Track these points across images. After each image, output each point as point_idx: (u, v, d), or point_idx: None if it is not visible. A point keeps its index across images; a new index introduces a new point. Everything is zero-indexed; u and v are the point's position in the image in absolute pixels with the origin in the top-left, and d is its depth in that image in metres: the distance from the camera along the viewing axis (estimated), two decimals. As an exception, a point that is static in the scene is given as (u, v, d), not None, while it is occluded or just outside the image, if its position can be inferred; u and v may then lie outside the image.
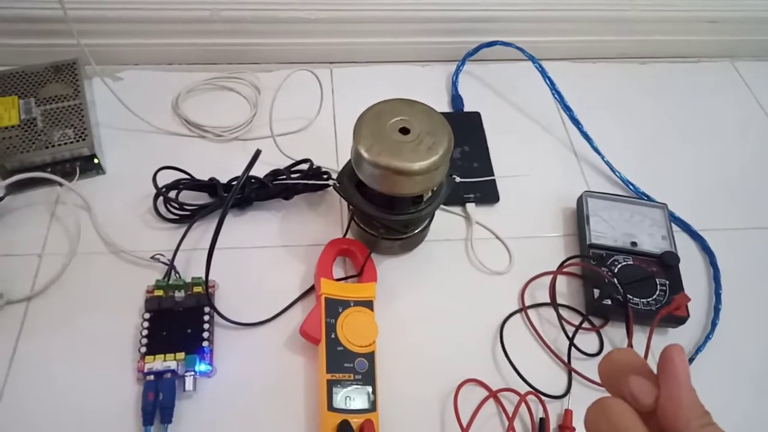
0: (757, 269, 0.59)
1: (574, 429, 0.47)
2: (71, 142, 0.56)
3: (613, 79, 0.75)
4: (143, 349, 0.47)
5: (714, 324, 0.54)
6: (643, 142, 0.68)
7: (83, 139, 0.57)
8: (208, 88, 0.68)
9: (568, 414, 0.47)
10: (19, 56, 0.64)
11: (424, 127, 0.48)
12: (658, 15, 0.73)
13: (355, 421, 0.44)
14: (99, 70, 0.60)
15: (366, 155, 0.46)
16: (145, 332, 0.47)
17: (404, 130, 0.48)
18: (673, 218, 0.60)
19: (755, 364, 0.53)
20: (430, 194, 0.51)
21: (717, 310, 0.54)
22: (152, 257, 0.52)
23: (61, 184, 0.56)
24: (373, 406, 0.45)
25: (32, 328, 0.49)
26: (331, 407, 0.44)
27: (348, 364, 0.46)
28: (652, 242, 0.56)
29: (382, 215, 0.50)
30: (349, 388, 0.46)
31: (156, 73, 0.68)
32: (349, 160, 0.51)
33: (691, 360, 0.51)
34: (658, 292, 0.53)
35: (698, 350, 0.52)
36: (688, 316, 0.52)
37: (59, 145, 0.56)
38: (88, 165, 0.58)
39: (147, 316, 0.48)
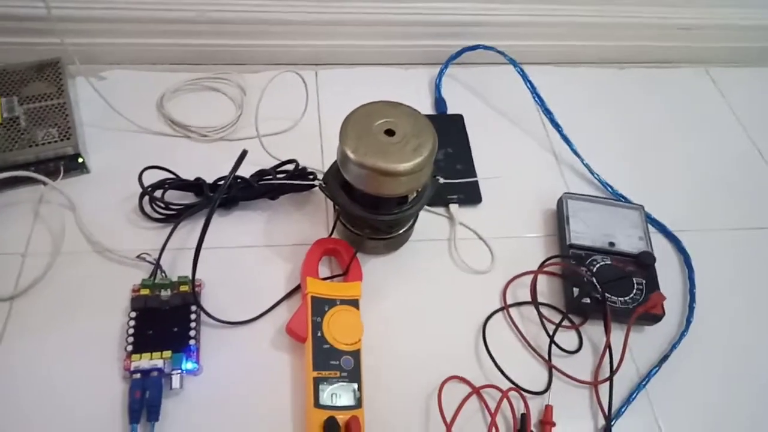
0: (729, 269, 0.61)
1: (555, 424, 0.48)
2: (55, 141, 0.56)
3: (592, 84, 0.77)
4: (129, 348, 0.47)
5: (689, 322, 0.55)
6: (621, 145, 0.70)
7: (67, 138, 0.56)
8: (193, 88, 0.68)
9: (548, 409, 0.49)
10: (1, 54, 0.63)
11: (410, 129, 0.49)
12: (635, 21, 0.75)
13: (341, 417, 0.45)
14: (83, 70, 0.59)
15: (352, 156, 0.47)
16: (131, 331, 0.48)
17: (390, 132, 0.49)
18: (650, 219, 0.62)
19: (728, 360, 0.54)
20: (414, 195, 0.52)
21: (691, 308, 0.56)
22: (138, 256, 0.53)
23: (45, 183, 0.56)
24: (358, 403, 0.46)
25: (16, 327, 0.49)
26: (317, 404, 0.45)
27: (334, 362, 0.47)
28: (629, 243, 0.58)
29: (368, 215, 0.51)
30: (335, 386, 0.46)
31: (140, 72, 0.68)
32: (335, 161, 0.52)
33: (666, 357, 0.53)
34: (635, 291, 0.54)
35: (673, 347, 0.54)
36: (664, 314, 0.54)
37: (43, 144, 0.56)
38: (72, 164, 0.58)
39: (133, 314, 0.48)
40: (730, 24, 0.78)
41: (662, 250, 0.61)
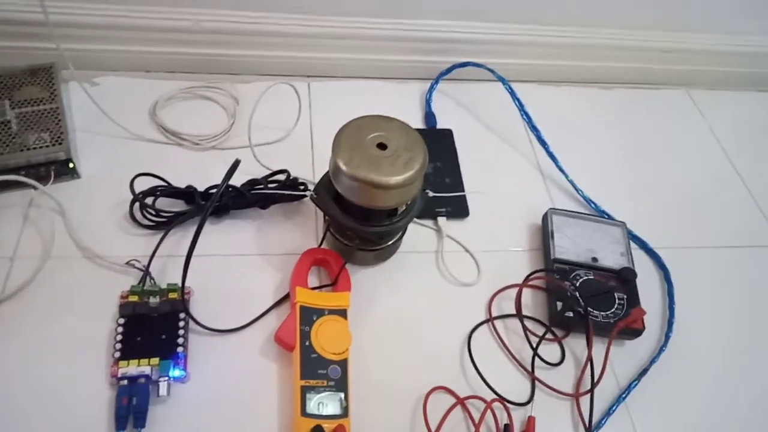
0: (707, 285, 0.63)
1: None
2: (47, 146, 0.56)
3: (578, 103, 0.79)
4: (117, 354, 0.47)
5: (668, 336, 0.57)
6: (605, 163, 0.72)
7: (59, 143, 0.57)
8: (186, 96, 0.68)
9: (531, 421, 0.50)
10: (-6, 57, 0.63)
11: (401, 142, 0.50)
12: (619, 44, 0.78)
13: (328, 426, 0.45)
14: (76, 75, 0.60)
15: (345, 168, 0.48)
16: (119, 337, 0.48)
17: (382, 146, 0.50)
18: (632, 236, 0.64)
19: (706, 374, 0.56)
20: (404, 207, 0.53)
21: (670, 323, 0.58)
22: (127, 263, 0.53)
23: (35, 188, 0.56)
24: (345, 412, 0.47)
25: (2, 331, 0.48)
26: (304, 413, 0.45)
27: (322, 371, 0.48)
28: (611, 258, 0.59)
29: (358, 227, 0.52)
30: (322, 394, 0.47)
31: (134, 79, 0.68)
32: (327, 172, 0.52)
33: (645, 371, 0.54)
34: (616, 306, 0.56)
35: (653, 361, 0.55)
36: (644, 328, 0.55)
37: (34, 148, 0.56)
38: (63, 169, 0.58)
39: (121, 321, 0.49)
40: (711, 49, 0.80)
41: (643, 266, 0.62)
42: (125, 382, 0.46)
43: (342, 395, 0.47)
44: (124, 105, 0.64)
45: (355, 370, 0.49)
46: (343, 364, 0.49)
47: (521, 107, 0.71)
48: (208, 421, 0.46)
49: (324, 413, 0.46)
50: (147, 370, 0.46)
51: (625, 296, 0.56)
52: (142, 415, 0.45)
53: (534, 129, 0.70)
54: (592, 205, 0.66)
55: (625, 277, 0.57)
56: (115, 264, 0.53)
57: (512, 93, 0.71)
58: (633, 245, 0.63)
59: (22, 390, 0.46)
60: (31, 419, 0.45)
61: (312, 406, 0.46)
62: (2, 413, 0.45)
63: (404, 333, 0.54)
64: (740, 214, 0.70)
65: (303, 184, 0.60)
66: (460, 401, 0.50)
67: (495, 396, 0.51)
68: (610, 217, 0.65)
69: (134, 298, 0.50)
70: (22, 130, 0.57)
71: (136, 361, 0.47)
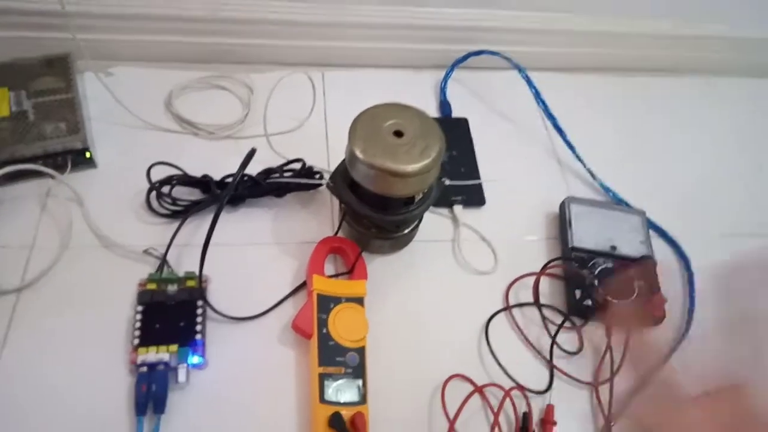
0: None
1: (556, 423, 0.49)
2: (63, 136, 0.56)
3: (596, 90, 0.78)
4: (136, 341, 0.47)
5: (689, 324, 0.56)
6: (623, 151, 0.71)
7: (76, 133, 0.57)
8: (201, 86, 0.68)
9: (549, 409, 0.49)
10: (10, 48, 0.63)
11: (418, 131, 0.50)
12: (638, 31, 0.76)
13: (346, 413, 0.45)
14: (92, 65, 0.60)
15: (361, 156, 0.48)
16: (138, 324, 0.48)
17: (398, 133, 0.49)
18: (651, 225, 0.63)
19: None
20: (421, 196, 0.53)
21: (691, 311, 0.57)
22: (145, 251, 0.53)
23: (52, 177, 0.56)
24: (363, 399, 0.47)
25: (23, 319, 0.49)
26: (322, 399, 0.45)
27: (339, 358, 0.48)
28: (631, 246, 0.58)
29: (375, 215, 0.51)
30: (340, 382, 0.47)
31: (149, 69, 0.68)
32: (343, 161, 0.52)
33: (666, 359, 0.54)
34: (636, 294, 0.55)
35: (673, 349, 0.54)
36: (665, 316, 0.54)
37: (51, 138, 0.56)
38: (79, 159, 0.58)
39: (140, 308, 0.49)
40: (730, 35, 0.79)
41: (663, 254, 0.61)
42: (144, 368, 0.46)
43: (360, 382, 0.47)
44: (139, 95, 0.64)
45: (372, 358, 0.49)
46: (361, 351, 0.49)
47: (537, 95, 0.70)
48: (227, 407, 0.47)
49: (342, 400, 0.46)
50: (166, 356, 0.47)
51: (644, 284, 0.56)
52: (161, 401, 0.45)
53: (550, 117, 0.69)
54: (611, 194, 0.66)
55: (645, 265, 0.56)
56: (132, 252, 0.53)
57: (528, 81, 0.70)
58: (652, 233, 0.62)
59: (42, 377, 0.46)
60: (50, 406, 0.45)
61: (330, 393, 0.46)
62: (22, 399, 0.45)
63: (421, 321, 0.54)
64: (760, 201, 0.69)
65: (318, 172, 0.60)
66: (478, 389, 0.50)
67: (513, 384, 0.51)
68: (628, 205, 0.64)
69: (152, 286, 0.50)
70: (39, 120, 0.57)
71: (155, 347, 0.47)
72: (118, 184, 0.58)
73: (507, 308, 0.55)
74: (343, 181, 0.52)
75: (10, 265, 0.51)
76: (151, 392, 0.45)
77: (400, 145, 0.48)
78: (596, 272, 0.56)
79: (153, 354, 0.47)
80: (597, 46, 0.77)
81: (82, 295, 0.51)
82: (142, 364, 0.46)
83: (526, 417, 0.49)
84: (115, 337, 0.48)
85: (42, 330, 0.48)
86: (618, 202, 0.65)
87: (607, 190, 0.66)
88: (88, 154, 0.58)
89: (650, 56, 0.80)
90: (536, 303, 0.56)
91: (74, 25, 0.56)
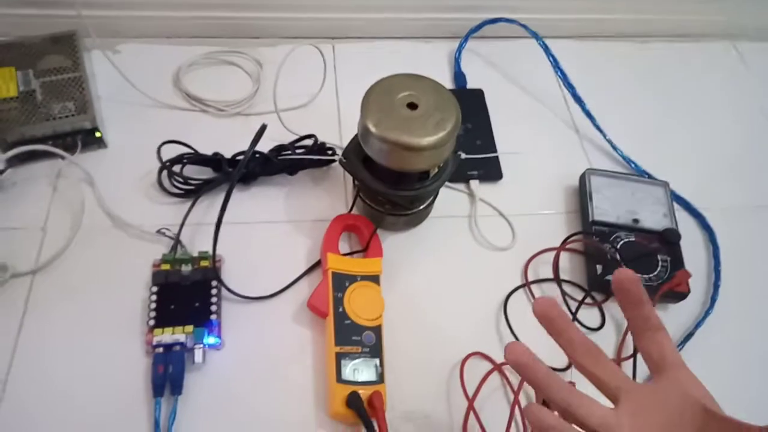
0: (754, 246, 0.60)
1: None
2: (72, 115, 0.56)
3: (616, 58, 0.75)
4: (152, 322, 0.47)
5: (713, 299, 0.55)
6: (645, 121, 0.69)
7: (84, 112, 0.56)
8: (209, 62, 0.67)
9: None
10: (16, 27, 0.62)
11: (432, 102, 0.48)
12: (661, -7, 0.73)
13: (364, 392, 0.45)
14: (99, 43, 0.59)
15: (374, 130, 0.46)
16: (153, 305, 0.48)
17: (412, 105, 0.48)
18: (674, 196, 0.61)
19: (754, 338, 0.54)
20: (436, 170, 0.51)
21: (716, 286, 0.56)
22: (158, 231, 0.52)
23: (62, 158, 0.55)
24: (380, 378, 0.46)
25: (38, 301, 0.49)
26: (339, 379, 0.45)
27: (356, 337, 0.47)
28: (653, 219, 0.57)
29: (389, 191, 0.50)
30: (357, 361, 0.46)
31: (156, 46, 0.67)
32: (355, 136, 0.51)
33: (690, 335, 0.52)
34: (659, 269, 0.54)
35: (698, 325, 0.53)
36: (689, 291, 0.53)
37: (60, 118, 0.55)
38: (89, 139, 0.57)
39: (154, 289, 0.48)
40: (758, -2, 0.76)
41: (687, 227, 0.60)
42: (161, 349, 0.46)
43: (377, 361, 0.47)
44: (147, 72, 0.62)
45: (389, 337, 0.48)
46: (377, 330, 0.48)
47: (555, 64, 0.68)
48: (244, 387, 0.46)
49: (359, 379, 0.45)
50: (182, 337, 0.46)
51: (668, 258, 0.54)
52: (178, 382, 0.45)
53: (569, 86, 0.66)
54: (632, 165, 0.63)
55: (669, 239, 0.55)
56: (145, 233, 0.53)
57: (546, 49, 0.68)
58: (676, 206, 0.60)
59: (59, 360, 0.46)
60: (68, 388, 0.45)
61: (347, 373, 0.45)
62: (38, 381, 0.45)
63: (438, 299, 0.53)
64: (789, 171, 0.67)
65: (331, 148, 0.58)
66: (497, 367, 0.49)
67: (533, 361, 0.49)
68: (651, 177, 0.62)
69: (166, 267, 0.50)
70: (47, 100, 0.56)
71: (171, 329, 0.47)
72: (129, 164, 0.57)
73: (526, 284, 0.54)
74: (356, 156, 0.51)
75: (23, 247, 0.51)
76: (168, 373, 0.45)
77: (415, 118, 0.47)
78: (618, 246, 0.54)
79: (169, 335, 0.46)
80: (617, 12, 0.74)
81: (96, 277, 0.50)
82: (158, 345, 0.46)
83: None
84: (130, 319, 0.48)
85: (57, 312, 0.48)
86: (640, 174, 0.63)
87: (628, 161, 0.64)
88: (98, 134, 0.57)
89: (674, 21, 0.77)
90: (556, 279, 0.54)
91: (79, 1, 0.55)
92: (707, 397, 0.31)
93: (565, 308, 0.53)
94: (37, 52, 0.59)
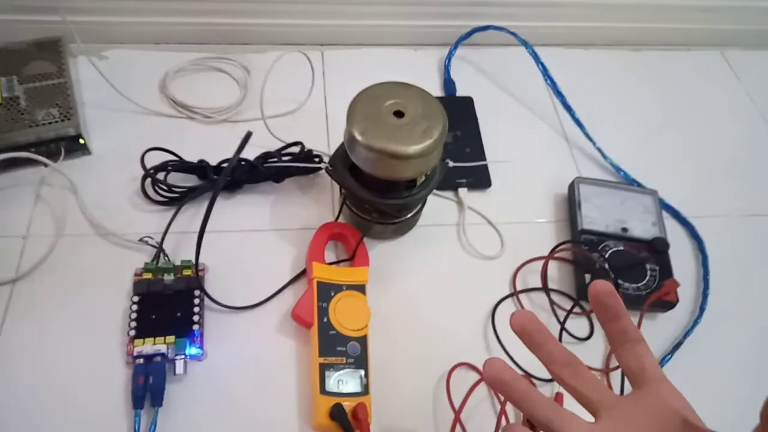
0: (744, 255, 0.59)
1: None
2: (56, 122, 0.55)
3: (606, 66, 0.75)
4: (132, 333, 0.46)
5: (702, 309, 0.54)
6: (635, 129, 0.69)
7: (68, 119, 0.55)
8: (196, 68, 0.66)
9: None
10: (1, 32, 0.61)
11: (419, 110, 0.48)
12: (650, 2, 0.73)
13: (348, 404, 0.44)
14: (84, 48, 0.58)
15: (360, 138, 0.46)
16: (134, 315, 0.47)
17: (399, 114, 0.47)
18: (663, 205, 0.61)
19: (742, 347, 0.53)
20: (423, 179, 0.51)
21: (705, 295, 0.55)
22: (141, 240, 0.52)
23: (46, 165, 0.54)
24: (365, 390, 0.45)
25: (18, 310, 0.48)
26: (323, 391, 0.44)
27: (340, 348, 0.46)
28: (642, 228, 0.56)
29: (376, 199, 0.50)
30: (341, 372, 0.45)
31: (143, 52, 0.66)
32: (342, 144, 0.50)
33: (679, 344, 0.52)
34: (648, 278, 0.53)
35: (686, 334, 0.53)
36: (678, 301, 0.53)
37: (44, 124, 0.55)
38: (73, 145, 0.56)
39: (136, 299, 0.48)
40: (748, 5, 0.76)
41: (676, 235, 0.59)
42: (141, 360, 0.45)
43: (362, 372, 0.46)
44: (133, 78, 0.62)
45: (375, 347, 0.48)
46: (363, 340, 0.47)
47: (545, 72, 0.67)
48: (226, 398, 0.46)
49: (344, 391, 0.45)
50: (163, 348, 0.45)
51: (657, 267, 0.54)
52: (159, 393, 0.44)
53: (559, 95, 0.66)
54: (622, 173, 0.63)
55: (657, 248, 0.54)
56: (128, 241, 0.52)
57: (536, 57, 0.67)
58: (665, 214, 0.60)
59: (37, 369, 0.45)
60: (46, 398, 0.44)
61: (331, 384, 0.45)
62: (17, 392, 0.44)
63: (425, 309, 0.52)
64: (779, 180, 0.67)
65: (318, 156, 0.58)
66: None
67: (521, 372, 0.49)
68: (640, 185, 0.62)
69: (148, 276, 0.49)
70: (31, 106, 0.55)
71: (152, 339, 0.46)
72: (113, 171, 0.56)
73: (514, 294, 0.54)
74: (343, 164, 0.51)
75: (4, 255, 0.50)
76: (149, 385, 0.44)
77: (401, 126, 0.46)
78: (607, 255, 0.54)
79: (150, 345, 0.45)
80: (607, 20, 0.74)
81: (78, 286, 0.49)
82: (139, 356, 0.45)
83: (534, 406, 0.47)
84: (111, 329, 0.47)
85: (37, 322, 0.47)
86: (629, 182, 0.62)
87: (618, 169, 0.63)
88: (81, 141, 0.56)
89: (662, 30, 0.77)
90: (544, 288, 0.54)
91: (63, 6, 0.54)
92: (688, 410, 0.30)
93: (552, 318, 0.52)
94: (21, 57, 0.58)
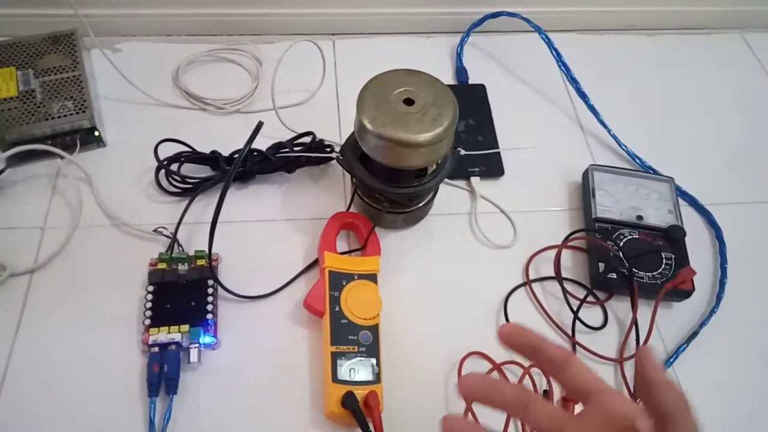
0: (762, 243, 0.58)
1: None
2: (71, 114, 0.56)
3: (621, 52, 0.73)
4: (147, 322, 0.47)
5: (719, 298, 0.53)
6: (650, 116, 0.67)
7: (83, 111, 0.56)
8: (208, 59, 0.67)
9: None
10: (16, 27, 0.62)
11: (429, 98, 0.47)
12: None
13: (360, 392, 0.44)
14: (97, 42, 0.58)
15: (370, 127, 0.46)
16: (149, 305, 0.47)
17: (409, 101, 0.47)
18: (680, 192, 0.60)
19: (760, 337, 0.52)
20: (434, 167, 0.51)
21: (722, 284, 0.54)
22: (155, 230, 0.52)
23: (61, 157, 0.55)
24: (377, 378, 0.45)
25: (36, 300, 0.49)
26: (335, 379, 0.44)
27: (352, 337, 0.46)
28: (658, 216, 0.56)
29: (386, 188, 0.50)
30: (353, 360, 0.46)
31: (155, 44, 0.67)
32: (353, 132, 0.50)
33: (695, 334, 0.51)
34: (663, 266, 0.52)
35: (703, 324, 0.52)
36: (694, 289, 0.52)
37: (59, 117, 0.55)
38: (88, 137, 0.57)
39: (150, 288, 0.48)
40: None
41: (692, 223, 0.58)
42: (156, 349, 0.46)
43: (374, 361, 0.46)
44: (146, 70, 0.62)
45: (386, 336, 0.48)
46: (374, 329, 0.47)
47: (559, 58, 0.66)
48: (239, 387, 0.46)
49: (356, 379, 0.45)
50: (177, 337, 0.46)
51: (672, 256, 0.53)
52: (173, 381, 0.45)
53: (573, 81, 0.65)
54: (637, 161, 0.62)
55: (673, 236, 0.54)
56: (143, 232, 0.52)
57: (549, 43, 0.66)
58: (681, 202, 0.59)
59: (55, 359, 0.46)
60: (64, 387, 0.45)
61: (343, 373, 0.45)
62: (37, 381, 0.45)
63: (437, 298, 0.52)
64: (800, 166, 0.65)
65: (329, 146, 0.58)
66: (497, 366, 0.48)
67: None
68: (656, 173, 0.61)
69: (163, 266, 0.50)
70: (46, 99, 0.56)
71: (167, 328, 0.46)
72: (128, 163, 0.57)
73: (527, 283, 0.53)
74: (354, 153, 0.51)
75: (22, 246, 0.51)
76: (164, 373, 0.45)
77: (411, 114, 0.46)
78: (621, 244, 0.53)
79: (164, 334, 0.46)
80: (621, 4, 0.73)
81: (94, 276, 0.50)
82: (154, 345, 0.46)
83: (547, 395, 0.47)
84: (127, 318, 0.48)
85: (54, 311, 0.48)
86: (645, 170, 0.61)
87: (633, 156, 0.62)
88: (96, 133, 0.57)
89: (679, 12, 0.75)
90: (558, 277, 0.53)
91: (78, 0, 0.55)
92: (636, 414, 0.30)
93: (565, 307, 0.52)
94: (36, 51, 0.59)
